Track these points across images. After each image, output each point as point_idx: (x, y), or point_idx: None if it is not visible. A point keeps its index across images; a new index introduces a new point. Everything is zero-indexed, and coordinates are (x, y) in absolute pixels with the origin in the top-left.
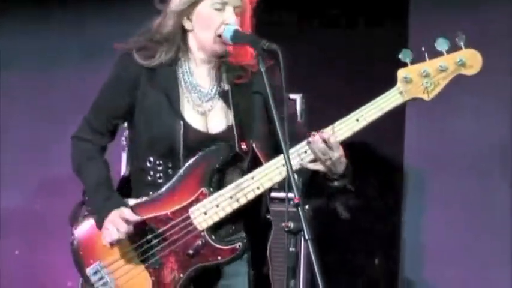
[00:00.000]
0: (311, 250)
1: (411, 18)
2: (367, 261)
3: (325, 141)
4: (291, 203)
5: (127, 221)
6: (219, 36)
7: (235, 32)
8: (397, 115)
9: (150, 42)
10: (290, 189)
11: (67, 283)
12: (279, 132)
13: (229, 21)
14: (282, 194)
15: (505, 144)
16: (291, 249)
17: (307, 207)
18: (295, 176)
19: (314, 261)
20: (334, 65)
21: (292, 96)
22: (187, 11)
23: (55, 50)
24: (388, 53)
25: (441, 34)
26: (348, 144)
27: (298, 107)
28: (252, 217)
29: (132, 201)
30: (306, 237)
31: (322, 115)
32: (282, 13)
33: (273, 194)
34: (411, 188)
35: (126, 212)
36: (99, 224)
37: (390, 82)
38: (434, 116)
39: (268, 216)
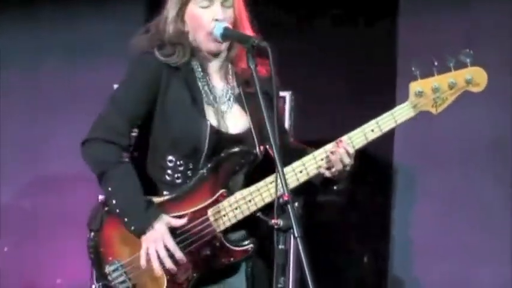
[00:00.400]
0: (300, 248)
1: (400, 17)
2: (356, 259)
3: (347, 153)
4: (281, 200)
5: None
6: (211, 33)
7: (225, 29)
8: (386, 110)
9: (166, 42)
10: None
11: (56, 280)
12: (269, 130)
13: (218, 17)
14: None
15: (495, 141)
16: (281, 246)
17: (296, 204)
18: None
19: (303, 259)
20: (324, 64)
21: (281, 93)
22: (179, 14)
23: (48, 47)
24: (377, 52)
25: (430, 33)
26: None
27: (287, 105)
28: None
29: (155, 199)
30: (296, 234)
31: (311, 112)
32: (273, 10)
33: None
34: (401, 184)
35: (172, 221)
36: (139, 233)
37: (378, 80)
38: (425, 112)
39: (258, 214)
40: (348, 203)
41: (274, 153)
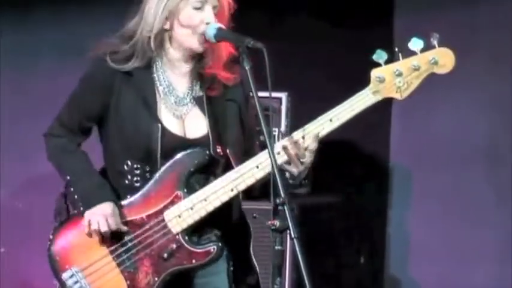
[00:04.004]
0: (297, 249)
1: (396, 18)
2: (353, 259)
3: (299, 146)
4: (277, 201)
5: (111, 222)
6: (202, 34)
7: (219, 29)
8: (383, 112)
9: (126, 45)
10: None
11: (52, 281)
12: (264, 131)
13: (209, 20)
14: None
15: (490, 142)
16: (277, 247)
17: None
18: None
19: (300, 259)
20: (320, 65)
21: (277, 94)
22: (163, 10)
23: (34, 47)
24: (373, 53)
25: (425, 34)
26: (334, 142)
27: (284, 106)
28: (228, 217)
29: None
30: (292, 235)
31: (307, 113)
32: (268, 12)
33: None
34: (397, 184)
35: (115, 213)
36: (87, 208)
37: None
38: (421, 113)
39: (254, 215)
40: (345, 203)
41: (269, 152)
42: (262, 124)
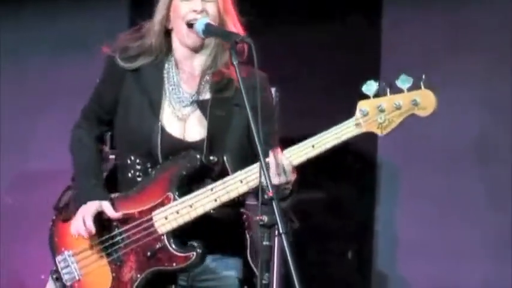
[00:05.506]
0: (285, 244)
1: (384, 12)
2: (340, 256)
3: (281, 166)
4: (265, 197)
5: (102, 214)
6: (188, 25)
7: (207, 25)
8: None
9: (135, 44)
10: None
11: (40, 276)
12: (253, 127)
13: (197, 8)
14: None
15: (478, 140)
16: (265, 242)
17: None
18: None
19: (288, 255)
20: (309, 59)
21: None
22: (167, 11)
23: (31, 45)
24: (361, 48)
25: (414, 28)
26: None
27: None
28: (227, 224)
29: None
30: (280, 231)
31: (295, 108)
32: (257, 7)
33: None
34: (385, 181)
35: (105, 206)
36: (76, 210)
37: (362, 77)
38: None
39: (242, 210)
40: (332, 199)
41: (259, 153)
42: (252, 123)
